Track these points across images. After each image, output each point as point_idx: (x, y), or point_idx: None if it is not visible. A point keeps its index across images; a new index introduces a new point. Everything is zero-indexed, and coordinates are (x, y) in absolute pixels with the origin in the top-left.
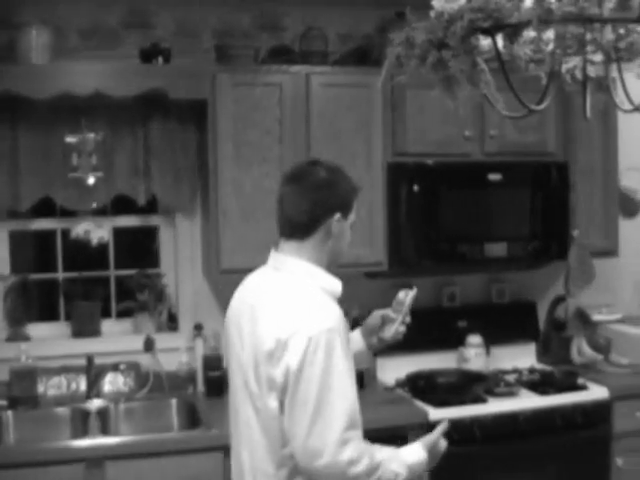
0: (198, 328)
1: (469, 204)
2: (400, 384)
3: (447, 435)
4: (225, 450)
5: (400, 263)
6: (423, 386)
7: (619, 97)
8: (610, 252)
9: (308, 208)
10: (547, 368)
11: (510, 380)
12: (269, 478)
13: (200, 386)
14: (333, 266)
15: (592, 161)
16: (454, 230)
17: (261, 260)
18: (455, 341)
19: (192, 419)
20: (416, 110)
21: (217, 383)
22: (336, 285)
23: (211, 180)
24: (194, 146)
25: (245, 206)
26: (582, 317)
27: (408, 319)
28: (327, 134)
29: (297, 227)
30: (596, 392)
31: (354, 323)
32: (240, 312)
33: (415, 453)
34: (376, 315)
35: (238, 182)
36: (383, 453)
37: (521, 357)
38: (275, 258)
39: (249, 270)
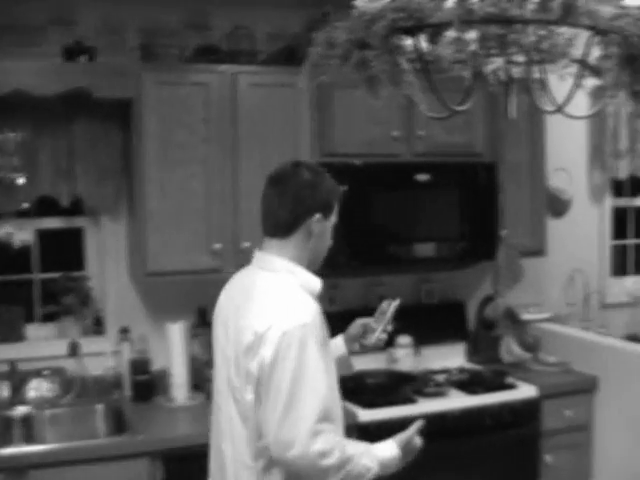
0: (124, 332)
1: (397, 205)
2: None
3: (376, 437)
4: (152, 455)
5: (329, 265)
6: (352, 387)
7: (543, 98)
8: (538, 251)
9: (290, 208)
10: (476, 367)
11: (439, 380)
12: (248, 469)
13: (127, 391)
14: (314, 265)
15: (520, 161)
16: (382, 231)
17: (188, 262)
18: (385, 342)
19: (119, 425)
20: (344, 110)
21: (144, 387)
22: (315, 283)
23: (136, 181)
24: (119, 146)
25: (171, 207)
26: (511, 316)
27: (390, 327)
28: (254, 134)
29: (279, 226)
30: (525, 391)
31: None
32: (227, 310)
33: (388, 449)
34: (357, 324)
35: (164, 183)
36: (356, 448)
37: (450, 357)
38: (258, 257)
39: (176, 272)
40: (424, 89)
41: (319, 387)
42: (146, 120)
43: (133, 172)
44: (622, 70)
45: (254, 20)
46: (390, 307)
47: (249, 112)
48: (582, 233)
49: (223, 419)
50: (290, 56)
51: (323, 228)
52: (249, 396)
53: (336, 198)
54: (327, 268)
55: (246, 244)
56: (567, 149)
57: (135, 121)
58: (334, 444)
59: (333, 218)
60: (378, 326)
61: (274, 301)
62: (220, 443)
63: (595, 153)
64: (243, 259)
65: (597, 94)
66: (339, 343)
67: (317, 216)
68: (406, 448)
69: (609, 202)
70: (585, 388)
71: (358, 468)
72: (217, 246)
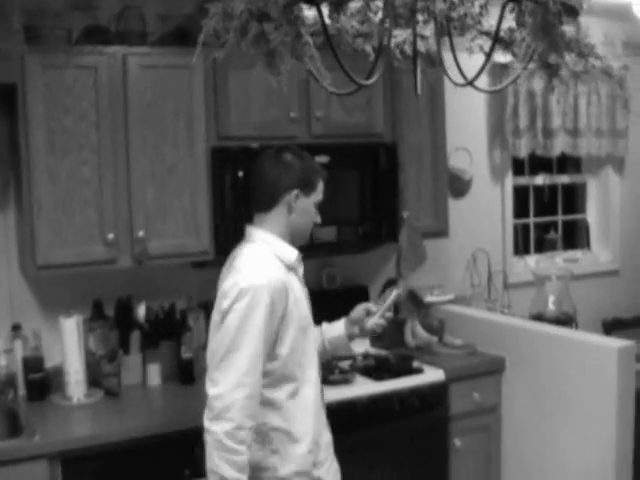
0: (16, 329)
1: None
2: None
3: None
4: (50, 457)
5: (227, 252)
6: None
7: (451, 72)
8: (440, 232)
9: (270, 184)
10: (382, 353)
11: (344, 367)
12: None
13: (21, 390)
14: (299, 239)
15: (420, 141)
16: None
17: (80, 253)
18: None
19: (13, 426)
20: (239, 92)
21: (39, 386)
22: (289, 253)
23: (23, 169)
24: (4, 133)
25: (61, 197)
26: (414, 299)
27: (389, 314)
28: (147, 118)
29: (261, 202)
30: (432, 375)
31: (182, 315)
32: (221, 281)
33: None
34: (360, 307)
35: (53, 171)
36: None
37: (355, 343)
38: (246, 231)
39: (68, 265)
40: (329, 69)
41: (254, 345)
42: (32, 106)
43: (20, 161)
44: (536, 40)
45: (143, 0)
46: (392, 294)
47: (141, 95)
48: (484, 213)
49: None
50: (182, 37)
51: (303, 204)
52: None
53: (318, 177)
54: (225, 256)
55: (141, 233)
56: (467, 129)
57: (20, 107)
58: (248, 417)
59: (315, 196)
60: (377, 310)
61: (242, 264)
62: None
63: (495, 132)
64: (139, 249)
65: (497, 73)
66: (340, 325)
67: (295, 192)
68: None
69: (510, 181)
70: (492, 370)
71: (232, 457)
72: (111, 236)
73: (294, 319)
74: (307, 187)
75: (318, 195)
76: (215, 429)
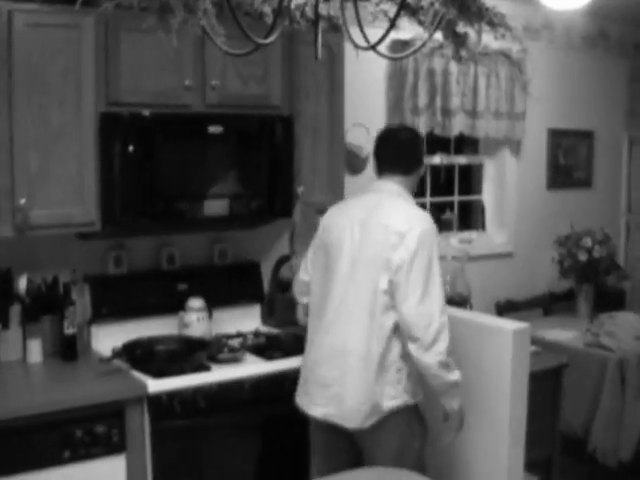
0: None
1: (188, 159)
2: (117, 354)
3: (169, 408)
4: None
5: (113, 222)
6: (141, 355)
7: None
8: None
9: (412, 154)
10: (273, 331)
11: (234, 345)
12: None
13: None
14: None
15: (318, 115)
16: (171, 187)
17: None
18: (176, 305)
19: None
20: (133, 56)
21: None
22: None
23: None
24: None
25: None
26: None
27: None
28: (32, 80)
29: (403, 166)
30: None
31: (65, 289)
32: (350, 222)
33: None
34: None
35: None
36: None
37: (245, 320)
38: (383, 186)
39: None
40: (228, 37)
41: (440, 276)
42: None
43: None
44: (446, 6)
45: None
46: None
47: (27, 55)
48: None
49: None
50: None
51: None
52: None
53: None
54: (112, 227)
55: (22, 200)
56: (365, 105)
57: None
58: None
59: None
60: None
61: (406, 211)
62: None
63: (394, 110)
64: (20, 217)
65: (399, 49)
66: None
67: (424, 167)
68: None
69: None
70: None
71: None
72: None
73: None
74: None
75: None
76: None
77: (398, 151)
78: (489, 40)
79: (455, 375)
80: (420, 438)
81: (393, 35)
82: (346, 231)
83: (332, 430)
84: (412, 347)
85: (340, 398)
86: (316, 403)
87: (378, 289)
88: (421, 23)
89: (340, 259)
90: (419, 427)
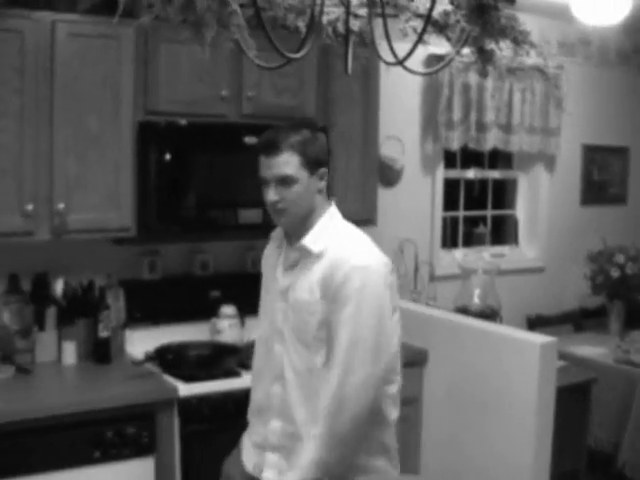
0: None
1: (223, 168)
2: (149, 358)
3: (198, 412)
4: None
5: (149, 229)
6: (172, 360)
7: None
8: (368, 221)
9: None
10: None
11: None
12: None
13: None
14: None
15: (352, 127)
16: (206, 195)
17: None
18: (208, 312)
19: None
20: (170, 67)
21: None
22: None
23: None
24: None
25: None
26: None
27: None
28: (73, 88)
29: None
30: None
31: (100, 293)
32: None
33: None
34: None
35: None
36: None
37: None
38: None
39: None
40: (258, 44)
41: None
42: None
43: None
44: (470, 23)
45: None
46: None
47: (67, 64)
48: (413, 204)
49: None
50: (113, 6)
51: None
52: None
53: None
54: (147, 233)
55: (61, 205)
56: (400, 118)
57: None
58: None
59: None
60: None
61: None
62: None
63: (428, 123)
64: (58, 221)
65: (433, 64)
66: None
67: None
68: None
69: (441, 173)
70: (414, 361)
71: None
72: (29, 207)
73: None
74: None
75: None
76: None
77: None
78: (524, 56)
79: None
80: None
81: (428, 50)
82: None
83: None
84: None
85: None
86: None
87: None
88: (449, 39)
89: None
90: None
